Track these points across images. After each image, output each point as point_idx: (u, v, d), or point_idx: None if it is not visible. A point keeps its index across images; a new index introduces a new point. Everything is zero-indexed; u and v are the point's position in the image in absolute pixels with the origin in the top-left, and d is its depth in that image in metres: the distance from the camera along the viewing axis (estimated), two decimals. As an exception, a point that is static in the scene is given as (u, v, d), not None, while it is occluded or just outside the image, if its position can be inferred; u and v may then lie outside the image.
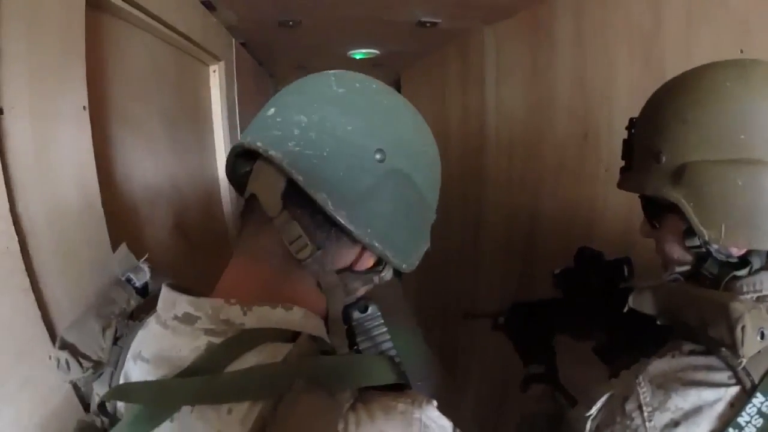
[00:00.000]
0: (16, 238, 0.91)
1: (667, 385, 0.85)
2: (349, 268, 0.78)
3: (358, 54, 4.18)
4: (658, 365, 0.89)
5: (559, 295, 1.47)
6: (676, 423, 0.83)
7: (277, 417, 0.59)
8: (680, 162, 0.91)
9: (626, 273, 1.31)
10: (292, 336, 0.70)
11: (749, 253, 0.91)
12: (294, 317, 0.71)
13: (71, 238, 1.13)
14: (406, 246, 0.81)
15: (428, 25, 3.06)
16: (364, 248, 0.77)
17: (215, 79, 2.66)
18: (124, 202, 1.56)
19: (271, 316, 0.70)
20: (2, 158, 0.90)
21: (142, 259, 1.07)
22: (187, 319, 0.69)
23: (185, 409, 0.63)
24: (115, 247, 1.26)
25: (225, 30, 2.78)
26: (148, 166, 1.77)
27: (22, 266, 0.93)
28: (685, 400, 0.83)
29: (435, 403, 0.67)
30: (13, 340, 0.91)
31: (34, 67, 1.03)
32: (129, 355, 0.75)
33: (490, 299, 3.24)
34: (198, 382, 0.64)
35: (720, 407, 0.82)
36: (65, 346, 0.87)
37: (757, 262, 0.91)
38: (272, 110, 0.77)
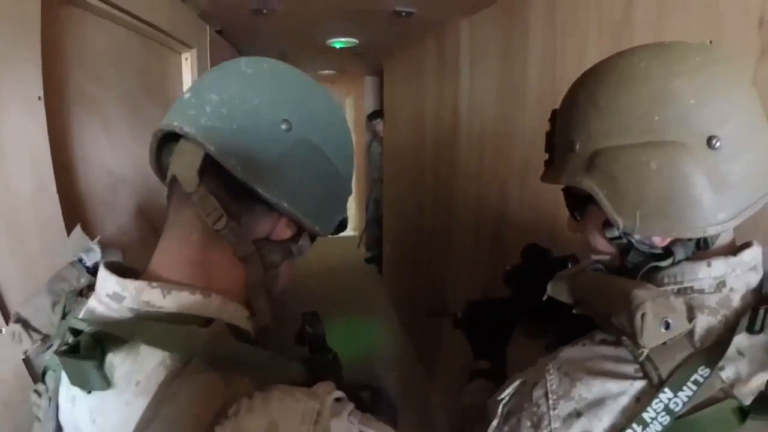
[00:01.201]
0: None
1: (573, 373, 0.84)
2: (266, 239, 0.83)
3: (338, 43, 4.21)
4: (569, 353, 0.89)
5: (509, 293, 1.49)
6: (578, 413, 0.81)
7: (170, 391, 0.65)
8: (593, 149, 0.87)
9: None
10: (207, 322, 0.74)
11: (673, 243, 0.87)
12: (211, 304, 0.76)
13: (23, 220, 1.17)
14: (320, 211, 0.86)
15: (404, 14, 3.09)
16: (279, 217, 0.82)
17: (187, 66, 2.69)
18: (83, 187, 1.59)
19: (189, 302, 0.75)
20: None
21: (95, 240, 1.12)
22: (116, 298, 0.75)
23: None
24: (70, 230, 1.30)
25: (197, 17, 2.79)
26: (109, 152, 1.80)
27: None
28: (588, 390, 0.81)
29: (337, 394, 0.72)
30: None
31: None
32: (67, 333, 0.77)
33: (459, 295, 3.28)
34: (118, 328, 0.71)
35: (624, 401, 0.79)
36: (19, 320, 0.90)
37: (680, 253, 0.87)
38: (188, 94, 0.81)
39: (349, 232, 10.15)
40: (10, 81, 1.16)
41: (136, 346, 0.70)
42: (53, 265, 1.26)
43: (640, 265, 0.90)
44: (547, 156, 1.05)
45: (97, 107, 1.74)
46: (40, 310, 0.90)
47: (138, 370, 0.69)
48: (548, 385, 0.85)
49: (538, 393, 0.86)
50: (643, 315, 0.76)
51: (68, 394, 0.76)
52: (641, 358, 0.80)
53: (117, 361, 0.70)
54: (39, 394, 0.83)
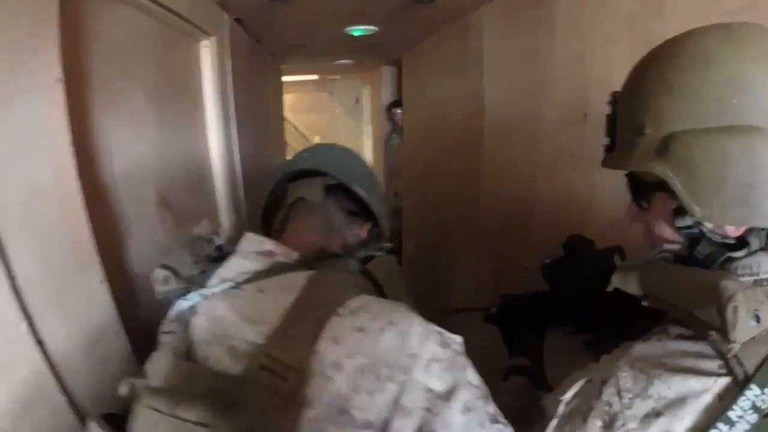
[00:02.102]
0: (-17, 208, 0.92)
1: (650, 370, 0.80)
2: (356, 234, 1.26)
3: (357, 31, 4.16)
4: (642, 349, 0.84)
5: (547, 288, 1.44)
6: (657, 413, 0.77)
7: (318, 280, 0.98)
8: (666, 133, 0.83)
9: (618, 263, 1.27)
10: None
11: (747, 232, 0.83)
12: None
13: (43, 210, 1.13)
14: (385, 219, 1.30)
15: (425, 1, 3.04)
16: (363, 223, 1.27)
17: (206, 55, 2.63)
18: (104, 174, 1.56)
19: None
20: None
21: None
22: (269, 254, 1.07)
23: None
24: (93, 219, 1.28)
25: (216, 5, 2.75)
26: (131, 140, 1.76)
27: (-10, 233, 0.93)
28: (669, 387, 0.77)
29: None
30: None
31: (5, 39, 1.03)
32: (213, 280, 1.04)
33: (483, 289, 3.24)
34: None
35: (707, 399, 0.75)
36: (166, 267, 1.09)
37: (755, 243, 0.83)
38: (307, 153, 1.40)
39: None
40: (29, 67, 1.11)
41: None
42: (76, 258, 1.24)
43: (713, 256, 0.85)
44: (608, 141, 1.01)
45: (121, 98, 1.71)
46: (184, 263, 1.11)
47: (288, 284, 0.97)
48: (621, 383, 0.81)
49: (609, 391, 0.82)
50: (735, 308, 0.72)
51: (211, 313, 0.99)
52: (730, 354, 0.76)
53: (265, 284, 1.00)
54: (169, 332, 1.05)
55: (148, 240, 1.81)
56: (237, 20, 3.28)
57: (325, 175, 1.18)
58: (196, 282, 1.06)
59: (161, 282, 1.09)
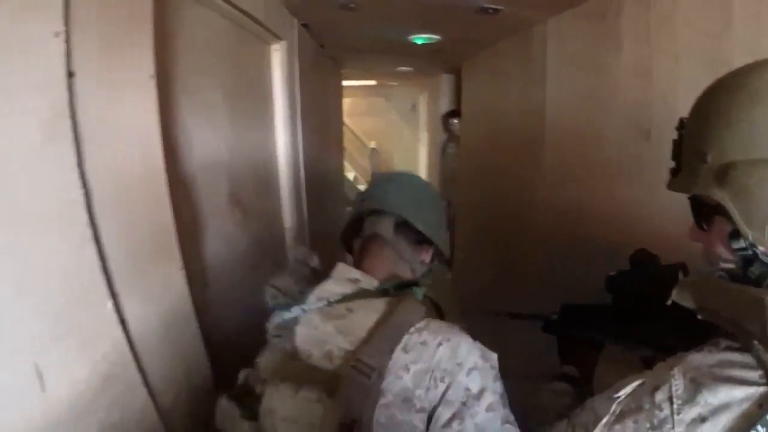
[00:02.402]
0: (82, 191, 0.99)
1: (699, 379, 0.83)
2: (421, 260, 1.45)
3: (420, 39, 4.18)
4: (695, 358, 0.88)
5: (608, 300, 1.45)
6: (703, 418, 0.81)
7: (395, 306, 1.22)
8: (726, 161, 0.88)
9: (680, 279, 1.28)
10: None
11: None
12: None
13: (133, 198, 1.20)
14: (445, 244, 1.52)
15: (490, 11, 3.04)
16: (427, 249, 1.46)
17: (276, 58, 2.72)
18: (184, 168, 1.64)
19: None
20: (72, 116, 0.97)
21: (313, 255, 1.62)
22: (355, 281, 1.32)
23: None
24: (176, 208, 1.36)
25: (286, 10, 2.83)
26: (208, 137, 1.84)
27: (86, 217, 1.00)
28: (714, 395, 0.81)
29: None
30: (69, 286, 0.98)
31: (104, 35, 1.10)
32: (311, 298, 1.27)
33: (531, 298, 3.22)
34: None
35: (746, 406, 0.79)
36: (274, 287, 1.40)
37: None
38: (381, 190, 1.50)
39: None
40: (125, 61, 1.18)
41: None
42: (159, 245, 1.31)
43: (764, 276, 0.89)
44: (673, 164, 1.06)
45: (200, 96, 1.80)
46: (288, 284, 1.42)
47: (371, 307, 1.24)
48: (673, 389, 0.85)
49: (660, 396, 0.86)
50: None
51: (310, 324, 1.24)
52: None
53: (353, 305, 1.25)
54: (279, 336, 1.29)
55: (219, 233, 1.90)
56: (304, 25, 3.36)
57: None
58: (298, 299, 1.30)
59: (271, 297, 1.40)
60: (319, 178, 4.13)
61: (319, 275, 1.40)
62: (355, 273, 1.33)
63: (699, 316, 0.93)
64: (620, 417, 0.91)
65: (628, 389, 0.92)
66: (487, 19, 3.26)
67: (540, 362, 1.75)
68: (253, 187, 2.39)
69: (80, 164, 0.99)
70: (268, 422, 1.16)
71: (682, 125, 1.02)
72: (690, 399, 0.83)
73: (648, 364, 1.28)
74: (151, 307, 1.27)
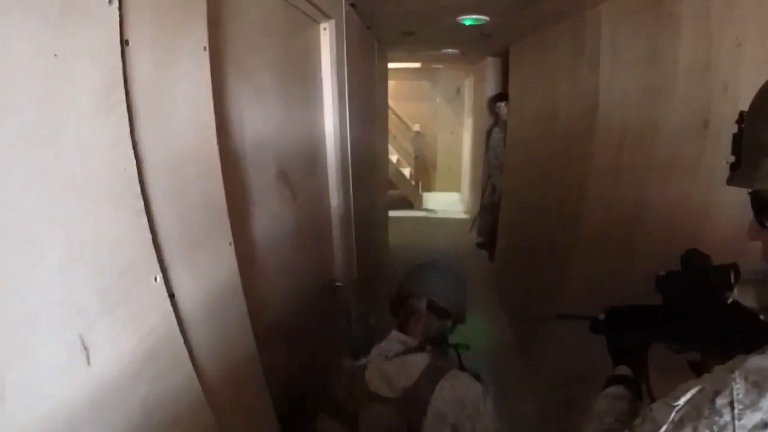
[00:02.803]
0: (134, 162, 0.97)
1: (762, 383, 0.80)
2: (444, 324, 2.20)
3: (468, 20, 4.15)
4: (756, 361, 0.83)
5: (658, 300, 1.41)
6: (765, 424, 0.78)
7: (432, 361, 1.94)
8: None
9: (732, 281, 1.20)
10: None
11: None
12: None
13: (185, 171, 1.19)
14: (462, 314, 2.23)
15: (542, -7, 2.99)
16: (449, 317, 2.14)
17: (325, 37, 2.70)
18: (235, 144, 1.62)
19: None
20: (126, 86, 0.96)
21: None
22: (404, 342, 2.02)
23: None
24: (226, 183, 1.35)
25: (334, -12, 2.80)
26: (258, 114, 1.83)
27: (138, 189, 0.99)
28: None
29: None
30: (118, 258, 0.97)
31: (157, 4, 1.09)
32: (374, 352, 1.98)
33: (580, 296, 3.17)
34: None
35: None
36: (351, 339, 2.34)
37: None
38: (419, 281, 2.23)
39: (461, 214, 10.22)
40: (178, 31, 1.17)
41: None
42: (209, 219, 1.30)
43: None
44: (733, 158, 1.02)
45: (251, 73, 1.79)
46: (359, 337, 2.41)
47: (417, 360, 1.91)
48: (734, 394, 0.81)
49: (721, 402, 0.83)
50: None
51: (376, 369, 1.88)
52: None
53: (404, 359, 1.92)
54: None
55: (267, 211, 1.90)
56: (351, 5, 3.34)
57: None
58: (367, 353, 2.01)
59: (349, 349, 2.28)
60: (365, 159, 4.13)
61: (376, 329, 2.30)
62: (402, 337, 2.05)
63: (762, 317, 0.92)
64: (679, 425, 0.88)
65: (687, 395, 0.89)
66: (538, 1, 3.19)
67: (591, 366, 1.72)
68: (302, 166, 2.39)
69: (133, 135, 0.98)
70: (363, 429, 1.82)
71: (742, 119, 0.98)
72: (752, 404, 0.79)
73: (696, 369, 1.27)
74: (200, 281, 1.26)
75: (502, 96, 6.78)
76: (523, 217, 5.09)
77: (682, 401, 0.88)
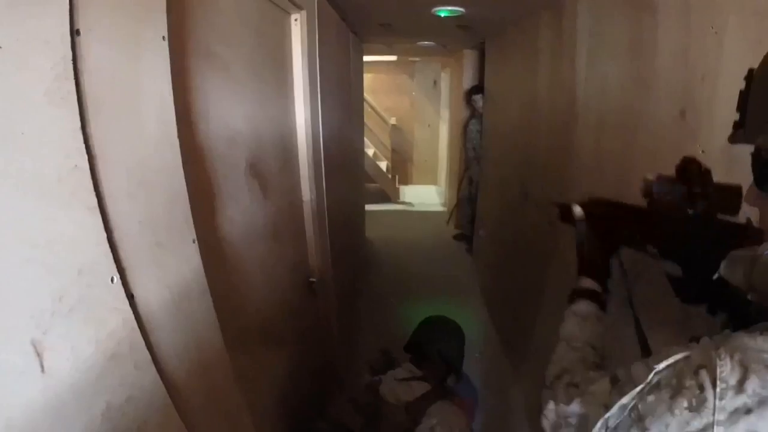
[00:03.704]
0: (86, 156, 0.93)
1: (749, 364, 0.76)
2: (445, 368, 2.98)
3: (444, 11, 4.15)
4: (745, 341, 0.79)
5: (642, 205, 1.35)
6: (748, 409, 0.74)
7: (429, 390, 2.77)
8: None
9: (735, 205, 1.14)
10: None
11: None
12: None
13: (145, 165, 1.14)
14: (459, 362, 3.09)
15: (519, -18, 2.97)
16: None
17: (296, 28, 2.66)
18: (201, 137, 1.58)
19: None
20: (76, 77, 0.91)
21: None
22: (412, 372, 2.88)
23: None
24: (191, 178, 1.30)
25: (307, -22, 2.75)
26: (228, 106, 1.79)
27: (90, 185, 0.94)
28: (763, 386, 0.74)
29: None
30: (75, 257, 0.92)
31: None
32: (390, 376, 2.83)
33: (562, 288, 3.16)
34: None
35: None
36: (371, 364, 3.10)
37: None
38: (429, 332, 3.07)
39: (438, 207, 10.23)
40: (137, 20, 1.12)
41: None
42: (172, 216, 1.25)
43: None
44: (737, 116, 0.96)
45: (220, 63, 1.75)
46: (378, 362, 3.11)
47: (421, 387, 2.78)
48: (718, 371, 0.77)
49: (703, 377, 0.79)
50: None
51: (390, 388, 2.75)
52: None
53: (412, 384, 2.83)
54: None
55: (237, 205, 1.86)
56: (325, -5, 3.30)
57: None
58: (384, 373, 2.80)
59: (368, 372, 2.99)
60: (339, 152, 4.09)
61: (394, 360, 2.99)
62: (415, 370, 2.79)
63: (749, 297, 0.86)
64: (656, 388, 0.85)
65: (670, 360, 0.85)
66: None
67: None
68: (273, 160, 2.35)
69: (84, 128, 0.93)
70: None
71: (751, 75, 0.93)
72: (737, 385, 0.76)
73: (675, 285, 1.26)
74: (163, 280, 1.22)
75: (478, 88, 6.79)
76: (503, 209, 5.08)
77: (662, 365, 0.85)
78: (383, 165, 11.55)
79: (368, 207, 7.69)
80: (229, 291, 1.74)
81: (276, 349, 2.39)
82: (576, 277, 1.44)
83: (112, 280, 1.01)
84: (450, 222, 8.20)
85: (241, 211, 1.90)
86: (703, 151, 1.84)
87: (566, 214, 1.54)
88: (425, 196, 11.34)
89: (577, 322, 1.30)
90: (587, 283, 1.39)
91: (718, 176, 1.12)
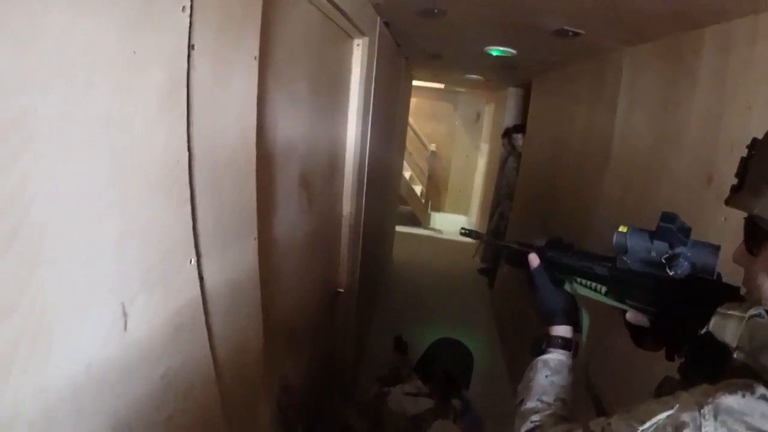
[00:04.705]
0: (187, 155, 1.08)
1: (732, 425, 0.78)
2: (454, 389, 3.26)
3: (495, 51, 4.22)
4: (728, 401, 0.80)
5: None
6: None
7: (430, 409, 2.96)
8: None
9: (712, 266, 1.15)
10: None
11: None
12: None
13: (225, 169, 1.29)
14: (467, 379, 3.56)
15: (570, 34, 3.08)
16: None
17: (358, 53, 2.82)
18: (267, 148, 1.73)
19: None
20: (188, 85, 1.06)
21: None
22: (419, 388, 3.03)
23: None
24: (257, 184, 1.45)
25: (372, 8, 2.92)
26: (290, 122, 1.94)
27: (187, 179, 1.10)
28: None
29: None
30: (165, 238, 1.07)
31: (221, 14, 1.20)
32: (399, 389, 3.03)
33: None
34: None
35: None
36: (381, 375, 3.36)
37: None
38: (437, 351, 3.55)
39: (467, 238, 10.16)
40: (236, 41, 1.28)
41: None
42: (240, 215, 1.40)
43: None
44: (736, 181, 1.01)
45: (288, 82, 1.89)
46: (388, 376, 3.40)
47: (424, 403, 2.99)
48: (703, 430, 0.80)
49: None
50: None
51: (398, 400, 2.95)
52: None
53: (418, 399, 3.05)
54: None
55: (287, 213, 2.01)
56: (386, 23, 3.44)
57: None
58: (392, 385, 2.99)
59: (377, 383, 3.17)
60: (380, 172, 4.22)
61: (404, 375, 3.17)
62: (422, 387, 2.93)
63: (735, 356, 0.87)
64: None
65: (654, 420, 0.86)
66: (565, 41, 3.30)
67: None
68: (321, 173, 2.50)
69: (189, 130, 1.08)
70: None
71: (754, 144, 0.99)
72: None
73: (637, 334, 1.27)
74: (226, 270, 1.36)
75: (519, 127, 6.84)
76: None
77: (648, 425, 0.86)
78: (418, 189, 11.62)
79: (398, 228, 7.76)
80: (269, 291, 1.87)
81: (296, 351, 2.50)
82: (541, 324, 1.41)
83: (190, 261, 1.16)
84: (476, 255, 8.22)
85: (289, 218, 2.04)
86: (725, 219, 1.85)
87: (516, 258, 1.51)
88: (455, 224, 11.22)
89: (549, 375, 1.28)
90: (560, 330, 1.35)
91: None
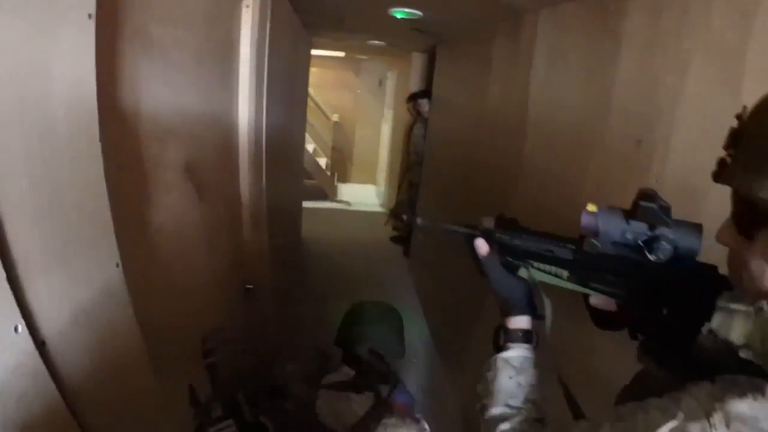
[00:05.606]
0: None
1: None
2: (385, 366, 2.63)
3: (400, 13, 4.10)
4: (739, 407, 0.74)
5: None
6: None
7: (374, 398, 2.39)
8: None
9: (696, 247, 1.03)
10: None
11: None
12: None
13: (56, 173, 0.94)
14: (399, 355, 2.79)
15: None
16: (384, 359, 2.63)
17: (248, 15, 2.49)
18: (129, 132, 1.38)
19: None
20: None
21: None
22: (347, 375, 2.50)
23: None
24: (110, 184, 1.09)
25: (261, -35, 2.59)
26: (163, 95, 1.60)
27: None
28: None
29: None
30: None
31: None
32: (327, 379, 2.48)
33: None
34: None
35: None
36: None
37: None
38: (362, 326, 2.66)
39: (377, 207, 10.13)
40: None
41: None
42: (88, 230, 1.06)
43: None
44: (724, 153, 0.87)
45: (158, 50, 1.55)
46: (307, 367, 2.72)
47: (366, 399, 2.37)
48: None
49: None
50: None
51: (328, 399, 2.40)
52: None
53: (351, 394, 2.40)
54: None
55: (170, 207, 1.68)
56: (278, -16, 3.13)
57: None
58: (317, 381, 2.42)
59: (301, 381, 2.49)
60: (281, 149, 3.93)
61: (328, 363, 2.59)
62: (350, 371, 2.46)
63: (741, 355, 0.80)
64: None
65: (662, 429, 0.78)
66: (476, 2, 3.14)
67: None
68: (211, 158, 2.17)
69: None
70: None
71: (751, 117, 0.84)
72: None
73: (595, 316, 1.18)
74: (74, 295, 1.03)
75: (424, 92, 6.79)
76: (444, 215, 5.02)
77: None
78: (323, 162, 11.45)
79: (304, 204, 7.55)
80: (159, 302, 1.57)
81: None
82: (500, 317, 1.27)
83: (16, 329, 0.82)
84: (388, 223, 8.17)
85: (173, 212, 1.72)
86: (656, 181, 1.84)
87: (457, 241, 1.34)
88: (363, 195, 11.24)
89: (513, 375, 1.16)
90: (519, 322, 1.23)
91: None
